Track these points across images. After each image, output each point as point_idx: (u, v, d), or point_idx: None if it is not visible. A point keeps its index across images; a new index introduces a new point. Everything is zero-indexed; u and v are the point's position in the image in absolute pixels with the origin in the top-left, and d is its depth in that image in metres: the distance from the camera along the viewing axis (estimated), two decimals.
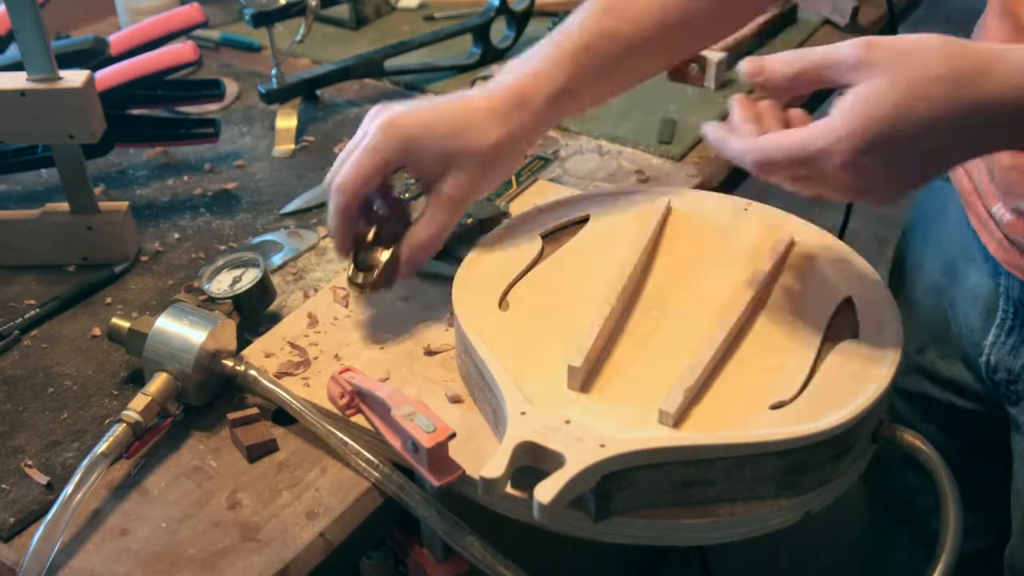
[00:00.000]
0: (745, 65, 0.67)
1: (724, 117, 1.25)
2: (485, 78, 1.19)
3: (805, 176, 0.64)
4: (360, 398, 0.73)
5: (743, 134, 0.67)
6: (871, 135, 0.60)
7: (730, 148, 0.67)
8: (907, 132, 0.60)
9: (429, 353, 0.79)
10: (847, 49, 0.62)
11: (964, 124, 0.60)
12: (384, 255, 0.78)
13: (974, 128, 0.61)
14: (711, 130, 0.69)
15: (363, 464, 0.71)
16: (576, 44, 0.80)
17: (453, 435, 0.65)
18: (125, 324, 0.79)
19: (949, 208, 0.93)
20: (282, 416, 0.76)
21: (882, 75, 0.61)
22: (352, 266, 0.80)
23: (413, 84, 1.27)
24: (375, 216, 0.81)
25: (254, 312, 0.84)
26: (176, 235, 0.99)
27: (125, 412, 0.72)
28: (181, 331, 0.75)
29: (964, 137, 0.62)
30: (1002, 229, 0.82)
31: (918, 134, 0.60)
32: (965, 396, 0.96)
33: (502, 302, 0.77)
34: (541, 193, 0.99)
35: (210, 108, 1.20)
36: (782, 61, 0.66)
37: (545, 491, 0.59)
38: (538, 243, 0.83)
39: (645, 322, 0.75)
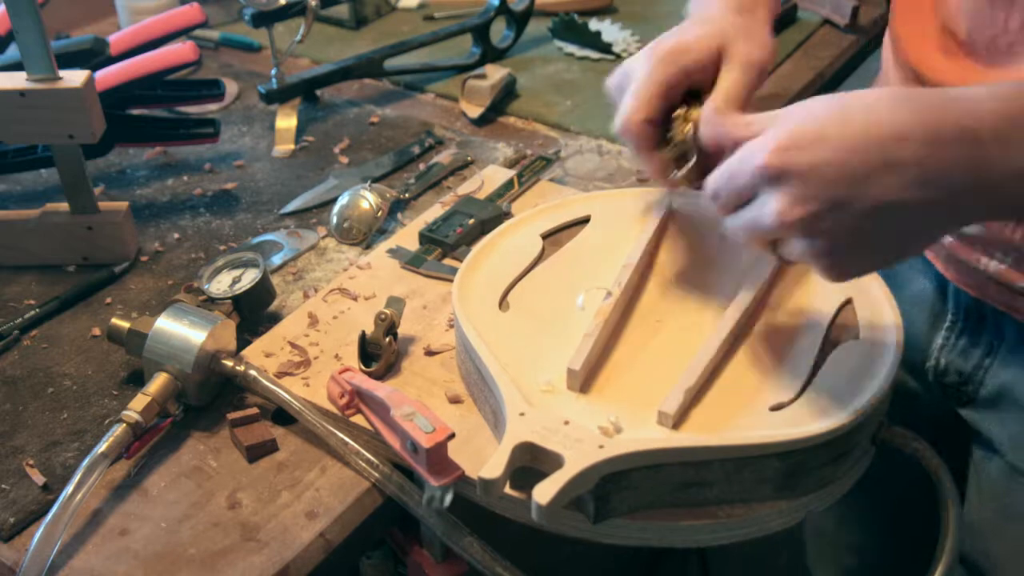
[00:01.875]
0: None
1: None
2: (478, 77, 1.19)
3: (743, 201, 0.62)
4: (360, 398, 0.73)
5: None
6: (795, 129, 0.59)
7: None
8: (840, 136, 0.57)
9: (429, 353, 0.79)
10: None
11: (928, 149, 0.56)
12: None
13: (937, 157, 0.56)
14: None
15: (363, 464, 0.71)
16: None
17: (452, 435, 0.65)
18: (125, 324, 0.79)
19: None
20: (282, 416, 0.76)
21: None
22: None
23: (413, 84, 1.27)
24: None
25: (254, 312, 0.84)
26: (176, 235, 0.99)
27: (125, 412, 0.72)
28: (181, 331, 0.75)
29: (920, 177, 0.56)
30: (945, 248, 0.81)
31: (854, 144, 0.57)
32: (905, 400, 0.95)
33: (502, 302, 0.77)
34: (542, 194, 0.99)
35: (210, 108, 1.20)
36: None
37: (544, 492, 0.59)
38: (539, 243, 0.83)
39: (645, 323, 0.75)
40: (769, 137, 0.59)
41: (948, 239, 0.80)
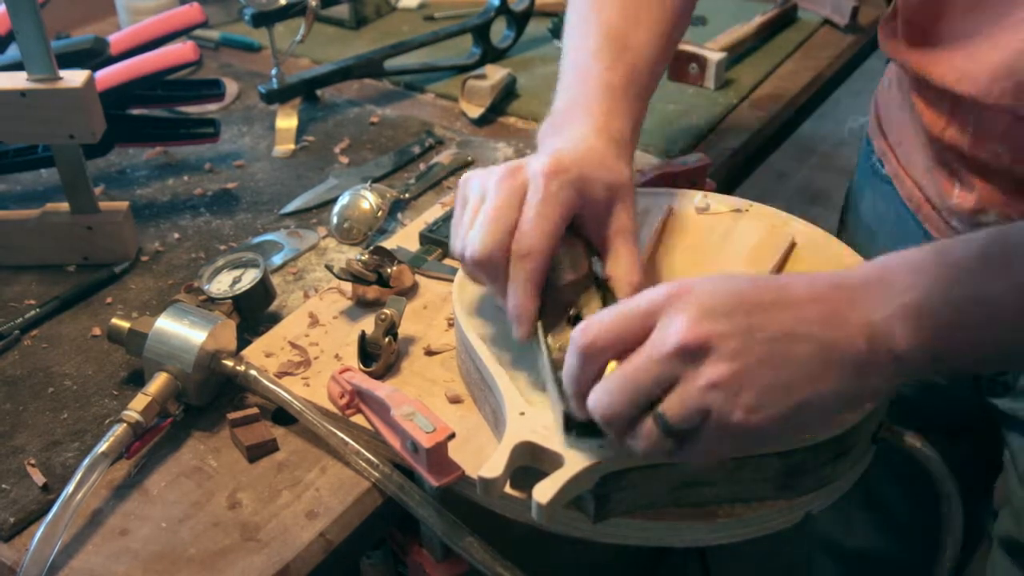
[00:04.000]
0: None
1: (723, 117, 1.25)
2: (478, 77, 1.19)
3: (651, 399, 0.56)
4: (360, 398, 0.73)
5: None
6: (707, 288, 0.56)
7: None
8: (756, 299, 0.56)
9: (429, 353, 0.79)
10: (657, 289, 0.58)
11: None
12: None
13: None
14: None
15: (363, 464, 0.71)
16: (616, 85, 0.76)
17: (452, 435, 0.65)
18: (125, 324, 0.79)
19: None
20: (282, 416, 0.76)
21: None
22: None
23: (413, 84, 1.27)
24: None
25: (254, 312, 0.84)
26: (176, 235, 0.99)
27: (125, 412, 0.72)
28: (181, 331, 0.75)
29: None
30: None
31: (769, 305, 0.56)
32: (935, 390, 0.93)
33: None
34: None
35: (210, 108, 1.20)
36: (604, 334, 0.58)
37: (543, 491, 0.59)
38: None
39: None
40: (678, 319, 0.55)
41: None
